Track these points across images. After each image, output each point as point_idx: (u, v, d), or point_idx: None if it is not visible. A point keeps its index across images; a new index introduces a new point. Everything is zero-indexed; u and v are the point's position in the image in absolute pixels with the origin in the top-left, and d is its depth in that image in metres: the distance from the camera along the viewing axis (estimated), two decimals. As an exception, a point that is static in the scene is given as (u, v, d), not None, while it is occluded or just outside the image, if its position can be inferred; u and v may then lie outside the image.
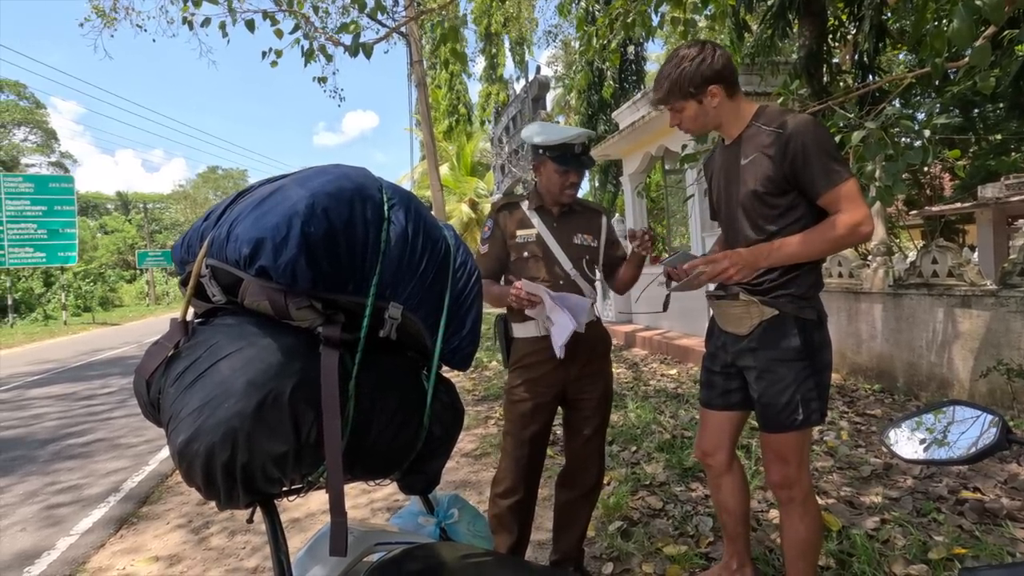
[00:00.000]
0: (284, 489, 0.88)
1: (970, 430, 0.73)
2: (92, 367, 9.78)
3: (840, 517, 2.46)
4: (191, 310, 0.94)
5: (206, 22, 4.03)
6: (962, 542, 2.22)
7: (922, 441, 0.77)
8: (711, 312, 1.77)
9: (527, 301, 1.81)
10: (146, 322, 21.46)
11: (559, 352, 1.83)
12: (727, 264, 1.47)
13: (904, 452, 0.78)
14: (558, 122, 18.62)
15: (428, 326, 1.00)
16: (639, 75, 12.54)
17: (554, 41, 18.72)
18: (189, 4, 3.95)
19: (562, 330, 1.80)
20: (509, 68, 23.18)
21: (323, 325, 0.85)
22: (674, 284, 1.65)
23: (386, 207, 0.93)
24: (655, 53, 20.48)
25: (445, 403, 1.04)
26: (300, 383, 0.80)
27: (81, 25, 9.20)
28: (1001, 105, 10.88)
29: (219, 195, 49.36)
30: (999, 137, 12.30)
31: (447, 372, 1.11)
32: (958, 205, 11.21)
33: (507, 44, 22.53)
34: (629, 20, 4.25)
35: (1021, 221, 10.94)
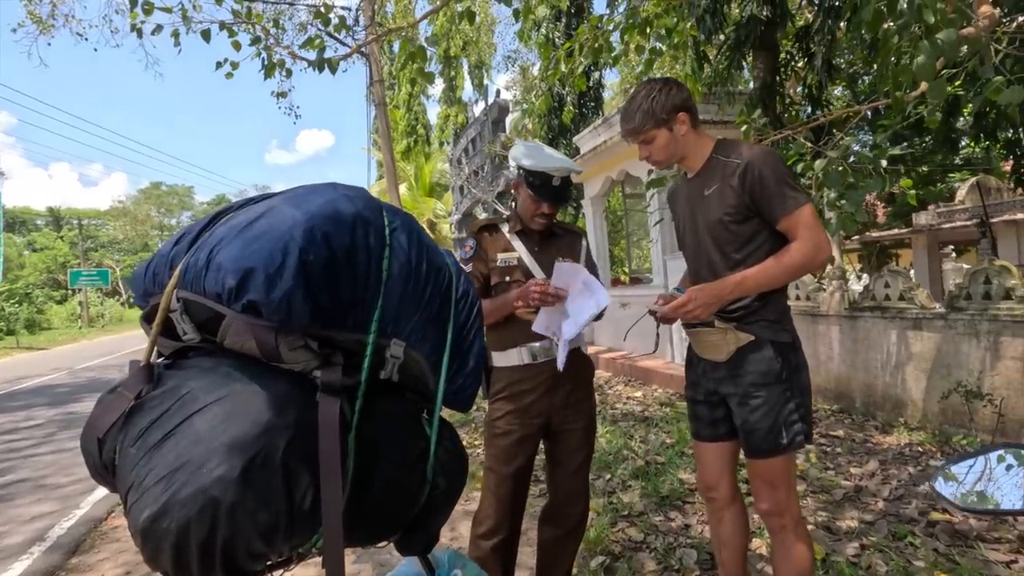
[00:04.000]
0: (268, 563, 0.74)
1: (1029, 475, 0.68)
2: (15, 397, 8.96)
3: (821, 544, 2.44)
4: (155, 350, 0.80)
5: (157, 30, 3.82)
6: (940, 566, 2.23)
7: (976, 489, 0.72)
8: (688, 341, 1.75)
9: (553, 298, 1.71)
10: (78, 346, 20.01)
11: (562, 360, 1.74)
12: (692, 306, 1.50)
13: (962, 502, 0.73)
14: (516, 144, 18.76)
15: (430, 365, 0.89)
16: (598, 101, 12.84)
17: (512, 66, 18.97)
18: (139, 11, 3.72)
19: (579, 319, 1.71)
20: (468, 91, 23.38)
21: (320, 368, 0.73)
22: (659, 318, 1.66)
23: (388, 232, 0.82)
24: (611, 81, 21.11)
25: (450, 450, 0.93)
26: (295, 439, 0.68)
27: (14, 31, 8.63)
28: (928, 139, 11.75)
29: (162, 212, 47.16)
30: (925, 169, 13.26)
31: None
32: (895, 231, 11.93)
33: (466, 67, 22.73)
34: (596, 46, 4.30)
35: (950, 247, 11.74)
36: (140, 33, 4.00)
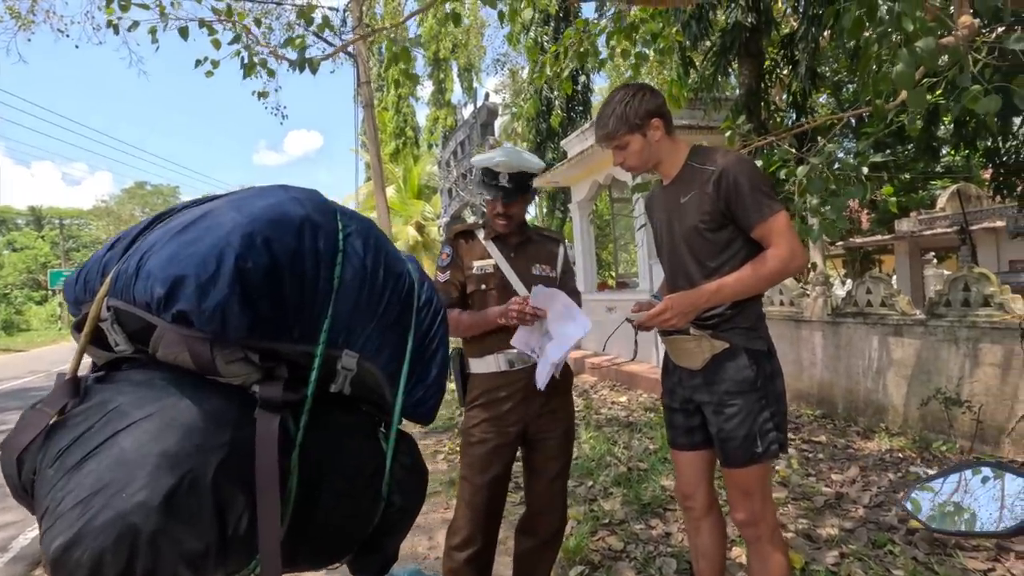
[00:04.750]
0: None
1: (1002, 495, 0.65)
2: (-13, 400, 8.74)
3: (800, 552, 2.42)
4: (89, 361, 0.75)
5: (133, 26, 3.74)
6: (919, 574, 2.22)
7: (948, 508, 0.69)
8: (664, 348, 1.73)
9: (531, 317, 1.70)
10: (57, 348, 19.63)
11: (543, 382, 1.73)
12: (668, 315, 1.49)
13: (932, 522, 0.70)
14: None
15: (387, 376, 0.85)
16: (586, 105, 12.89)
17: (502, 69, 18.99)
18: (115, 7, 3.64)
19: (564, 342, 1.72)
20: (457, 94, 23.34)
21: (260, 382, 0.69)
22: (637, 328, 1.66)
23: (341, 237, 0.78)
24: (599, 86, 21.22)
25: (407, 466, 0.88)
26: (228, 459, 0.63)
27: (-8, 26, 8.43)
28: (910, 147, 11.93)
29: (147, 212, 46.45)
30: (907, 176, 13.46)
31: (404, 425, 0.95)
32: (878, 237, 12.06)
33: (455, 70, 22.71)
34: (582, 50, 4.29)
35: (931, 253, 11.91)
36: (116, 29, 3.92)
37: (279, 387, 0.68)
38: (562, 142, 9.60)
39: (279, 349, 0.70)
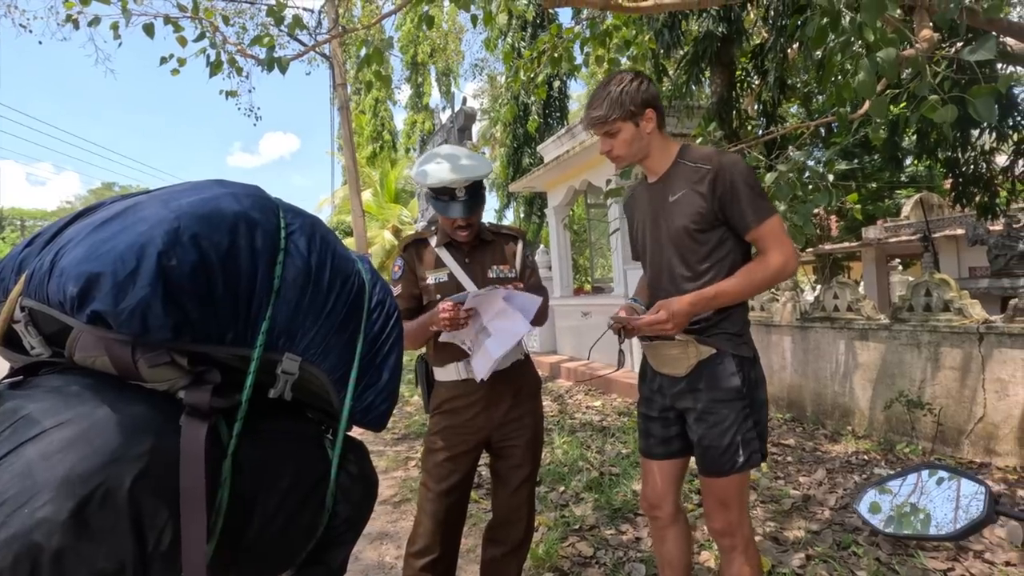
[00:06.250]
0: None
1: (951, 499, 0.65)
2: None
3: (768, 555, 2.44)
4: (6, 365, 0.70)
5: (94, 21, 3.62)
6: (881, 575, 2.26)
7: (898, 511, 0.69)
8: (643, 354, 1.70)
9: (464, 320, 1.64)
10: (15, 354, 18.89)
11: (485, 374, 1.68)
12: (670, 325, 1.44)
13: (881, 525, 0.70)
14: (484, 153, 18.75)
15: (334, 380, 0.81)
16: (563, 111, 12.98)
17: (480, 74, 19.01)
18: (75, 1, 3.52)
19: (507, 338, 1.65)
20: (435, 98, 23.31)
21: (187, 388, 0.65)
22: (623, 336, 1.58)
23: (283, 234, 0.75)
24: (576, 92, 21.38)
25: (354, 475, 0.85)
26: (148, 470, 0.59)
27: (-53, 19, 8.12)
28: (876, 157, 12.31)
29: (114, 214, 45.12)
30: (874, 185, 13.89)
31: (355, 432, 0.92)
32: (846, 244, 12.37)
33: (433, 74, 22.67)
34: (556, 55, 4.31)
35: (897, 260, 12.27)
36: (76, 24, 3.79)
37: (207, 392, 0.65)
38: (539, 147, 9.63)
39: (210, 352, 0.66)
